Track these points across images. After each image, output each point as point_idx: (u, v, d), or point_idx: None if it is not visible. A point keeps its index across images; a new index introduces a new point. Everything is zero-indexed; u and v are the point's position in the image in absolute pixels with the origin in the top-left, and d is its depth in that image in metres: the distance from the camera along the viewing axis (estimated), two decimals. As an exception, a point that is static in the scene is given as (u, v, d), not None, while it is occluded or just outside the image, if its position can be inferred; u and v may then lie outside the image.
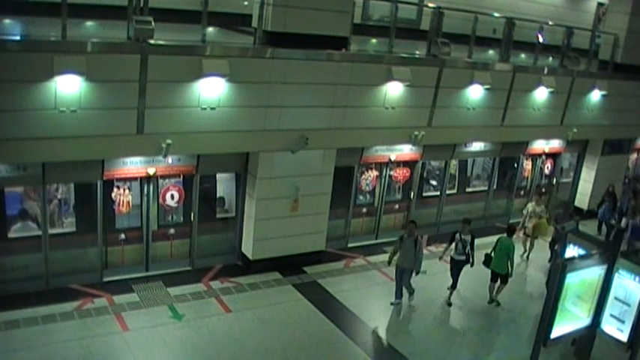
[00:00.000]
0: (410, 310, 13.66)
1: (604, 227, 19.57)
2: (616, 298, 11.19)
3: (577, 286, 10.94)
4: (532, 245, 17.11)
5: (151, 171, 13.19)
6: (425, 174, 18.04)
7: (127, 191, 13.35)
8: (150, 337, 11.55)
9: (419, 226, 17.52)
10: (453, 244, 13.89)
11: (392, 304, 13.63)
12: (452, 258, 14.03)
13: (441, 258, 14.31)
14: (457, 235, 13.87)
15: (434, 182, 18.35)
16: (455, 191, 18.80)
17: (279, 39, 12.70)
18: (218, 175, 14.62)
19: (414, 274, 13.51)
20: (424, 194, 18.15)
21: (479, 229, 17.29)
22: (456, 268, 13.99)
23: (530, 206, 17.18)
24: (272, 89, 12.80)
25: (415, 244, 13.26)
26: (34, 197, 12.51)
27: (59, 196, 12.85)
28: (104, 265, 13.36)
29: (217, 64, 11.83)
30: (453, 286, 14.06)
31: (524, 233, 16.94)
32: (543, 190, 17.21)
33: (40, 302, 12.06)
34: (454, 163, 18.35)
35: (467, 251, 13.77)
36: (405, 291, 13.75)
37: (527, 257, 17.12)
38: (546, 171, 21.01)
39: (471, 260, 13.84)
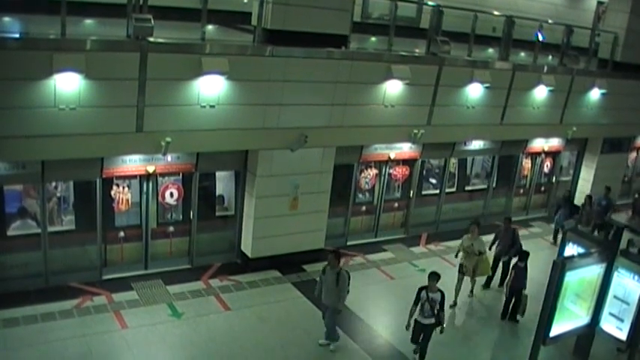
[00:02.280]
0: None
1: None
2: (615, 297, 11.23)
3: (576, 284, 10.97)
4: (473, 285, 14.48)
5: (151, 169, 13.19)
6: (424, 172, 18.04)
7: (126, 189, 13.34)
8: (149, 335, 11.55)
9: (418, 224, 17.73)
10: (419, 305, 11.29)
11: (320, 344, 11.87)
12: (417, 321, 11.40)
13: (408, 326, 11.44)
14: (423, 293, 11.26)
15: (433, 180, 18.35)
16: (454, 189, 18.81)
17: (279, 37, 12.70)
18: (217, 173, 14.62)
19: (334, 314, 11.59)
20: (423, 192, 18.15)
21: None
22: (423, 333, 11.45)
23: (465, 239, 14.07)
24: (271, 87, 12.79)
25: (337, 278, 11.28)
26: (33, 195, 12.51)
27: (58, 194, 12.85)
28: (103, 263, 13.36)
29: (217, 62, 11.82)
30: (421, 356, 11.66)
31: (461, 272, 14.05)
32: (478, 222, 14.28)
33: (40, 300, 12.06)
34: (454, 161, 18.35)
35: (436, 312, 11.20)
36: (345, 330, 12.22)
37: (472, 292, 14.53)
38: (546, 169, 21.03)
39: (441, 324, 11.41)
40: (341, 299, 11.45)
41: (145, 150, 12.37)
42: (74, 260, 13.15)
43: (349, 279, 11.53)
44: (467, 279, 14.09)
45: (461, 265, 14.00)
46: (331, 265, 11.37)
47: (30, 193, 12.53)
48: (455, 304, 13.86)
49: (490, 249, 14.75)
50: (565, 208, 18.44)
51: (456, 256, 14.24)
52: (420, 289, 11.30)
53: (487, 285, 15.00)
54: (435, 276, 11.26)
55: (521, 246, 14.57)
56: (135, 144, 11.88)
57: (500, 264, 15.00)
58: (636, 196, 21.28)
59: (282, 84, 12.87)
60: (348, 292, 11.59)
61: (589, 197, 18.71)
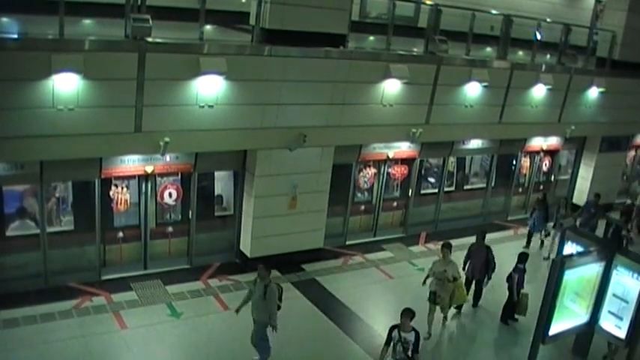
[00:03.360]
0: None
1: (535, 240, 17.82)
2: (614, 295, 11.23)
3: (575, 283, 10.98)
4: (446, 315, 12.95)
5: (149, 169, 13.18)
6: (423, 171, 18.05)
7: (125, 189, 13.34)
8: (148, 335, 11.55)
9: (417, 223, 17.73)
10: (391, 346, 9.99)
11: None
12: None
13: None
14: (395, 333, 9.98)
15: (432, 179, 18.35)
16: (453, 188, 18.82)
17: (277, 36, 12.70)
18: (216, 173, 14.61)
19: (272, 331, 10.72)
20: (422, 191, 18.15)
21: (476, 226, 17.36)
22: None
23: (436, 264, 12.52)
24: (270, 87, 12.79)
25: (265, 291, 10.47)
26: (32, 195, 12.50)
27: (57, 195, 12.85)
28: (102, 264, 13.35)
29: (215, 62, 11.82)
30: None
31: (434, 302, 12.37)
32: (450, 244, 12.62)
33: (39, 301, 12.05)
34: (452, 160, 18.35)
35: (409, 354, 9.90)
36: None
37: (444, 322, 13.01)
38: (544, 168, 21.04)
39: None
40: (271, 315, 10.55)
41: (143, 150, 12.37)
42: (73, 261, 13.14)
43: (281, 293, 10.75)
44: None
45: (432, 293, 12.35)
46: (261, 277, 10.58)
47: (29, 193, 12.51)
48: (429, 335, 12.39)
49: (464, 269, 13.47)
50: (540, 211, 17.56)
51: (424, 282, 12.64)
52: (392, 328, 10.00)
53: (459, 308, 13.58)
54: (408, 313, 9.93)
55: (494, 265, 13.39)
56: (133, 144, 11.88)
57: (473, 283, 13.70)
58: (628, 202, 21.29)
59: (281, 84, 12.88)
60: (279, 307, 10.73)
61: (565, 199, 18.14)
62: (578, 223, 17.15)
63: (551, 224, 17.40)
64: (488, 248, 13.54)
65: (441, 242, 12.89)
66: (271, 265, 14.13)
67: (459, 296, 12.88)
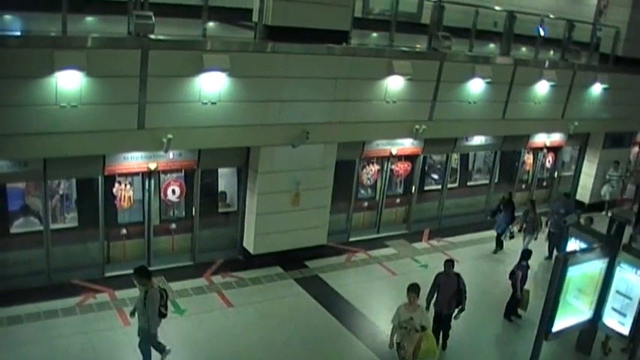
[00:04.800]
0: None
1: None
2: (617, 292, 11.22)
3: (578, 279, 10.96)
4: None
5: (152, 166, 13.18)
6: (426, 168, 18.03)
7: (128, 186, 13.35)
8: (152, 331, 11.57)
9: (420, 220, 17.73)
10: None
11: None
12: None
13: None
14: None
15: (435, 176, 18.33)
16: (456, 185, 18.80)
17: (280, 33, 12.68)
18: (219, 170, 14.62)
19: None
20: (425, 188, 18.14)
21: (479, 223, 17.37)
22: None
23: (402, 311, 10.74)
24: (273, 83, 12.78)
25: (145, 297, 9.89)
26: (35, 193, 12.51)
27: (61, 192, 12.86)
28: (106, 260, 13.37)
29: (218, 59, 11.81)
30: None
31: (400, 357, 10.88)
32: (417, 286, 10.85)
33: (43, 298, 12.07)
34: (455, 157, 18.33)
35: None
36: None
37: None
38: (547, 164, 21.01)
39: None
40: (150, 321, 9.98)
41: (146, 147, 12.37)
42: (77, 258, 13.16)
43: (163, 298, 10.06)
44: None
45: (397, 345, 10.84)
46: (139, 284, 10.11)
47: (32, 190, 12.53)
48: None
49: (428, 305, 11.62)
50: (506, 212, 16.59)
51: (391, 338, 10.86)
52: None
53: None
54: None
55: (465, 298, 11.78)
56: (136, 141, 11.88)
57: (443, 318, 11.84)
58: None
59: (284, 80, 12.86)
60: (164, 314, 10.19)
61: (532, 202, 16.81)
62: (548, 226, 16.66)
63: (516, 228, 16.66)
64: (458, 276, 11.76)
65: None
66: (274, 262, 14.34)
67: (427, 349, 10.89)
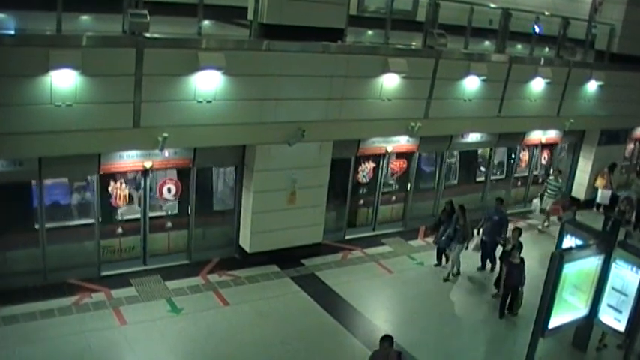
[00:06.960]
0: (409, 302, 13.70)
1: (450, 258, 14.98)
2: (613, 288, 11.27)
3: (574, 276, 11.01)
4: None
5: (148, 165, 13.16)
6: (422, 165, 18.03)
7: (123, 185, 13.33)
8: (148, 330, 11.56)
9: (416, 217, 17.74)
10: None
11: None
12: None
13: None
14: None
15: (430, 170, 18.34)
16: (455, 182, 18.83)
17: (275, 31, 12.67)
18: (215, 168, 14.60)
19: None
20: (421, 186, 18.14)
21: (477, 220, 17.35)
22: None
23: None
24: (268, 82, 12.77)
25: None
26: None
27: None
28: (102, 260, 13.34)
29: (213, 57, 11.80)
30: None
31: None
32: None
33: (39, 297, 12.05)
34: (455, 154, 18.39)
35: None
36: None
37: None
38: (543, 161, 21.05)
39: None
40: None
41: (142, 146, 12.35)
42: (72, 257, 13.13)
43: None
44: None
45: None
46: None
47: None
48: None
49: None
50: (447, 223, 15.05)
51: None
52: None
53: None
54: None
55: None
56: (132, 140, 11.86)
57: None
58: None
59: (279, 78, 12.86)
60: None
61: (461, 208, 14.81)
62: (480, 234, 15.22)
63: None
64: (399, 354, 9.82)
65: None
66: (270, 260, 14.34)
67: None
